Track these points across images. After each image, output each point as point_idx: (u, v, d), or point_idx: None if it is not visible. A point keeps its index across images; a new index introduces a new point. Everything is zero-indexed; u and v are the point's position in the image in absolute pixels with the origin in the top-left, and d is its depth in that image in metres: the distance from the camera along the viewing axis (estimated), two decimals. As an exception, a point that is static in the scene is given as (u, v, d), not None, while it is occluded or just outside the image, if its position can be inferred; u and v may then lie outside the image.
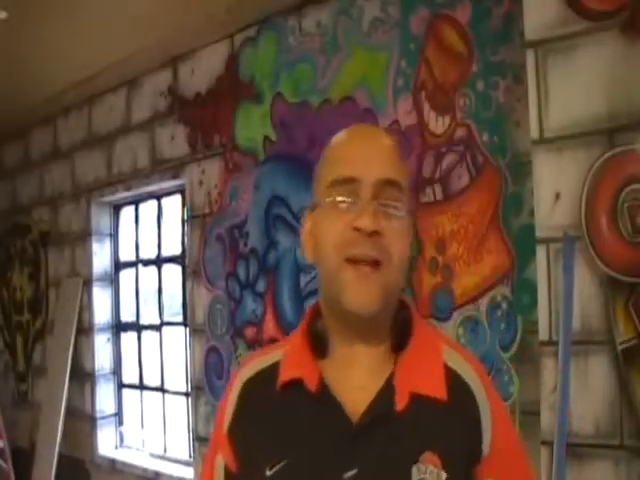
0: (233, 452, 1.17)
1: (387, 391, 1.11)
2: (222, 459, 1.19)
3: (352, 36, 3.58)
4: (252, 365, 1.24)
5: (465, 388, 1.14)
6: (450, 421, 1.11)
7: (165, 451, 5.08)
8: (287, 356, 1.19)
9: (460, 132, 3.08)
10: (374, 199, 1.08)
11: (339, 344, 1.16)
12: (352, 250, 1.08)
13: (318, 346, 1.17)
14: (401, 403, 1.09)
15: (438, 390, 1.12)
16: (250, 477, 1.12)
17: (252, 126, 4.15)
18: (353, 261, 1.08)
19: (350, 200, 1.09)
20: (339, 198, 1.10)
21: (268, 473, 1.09)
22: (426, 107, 3.22)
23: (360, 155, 1.13)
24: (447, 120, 3.13)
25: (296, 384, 1.14)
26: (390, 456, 1.07)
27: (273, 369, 1.18)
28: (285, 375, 1.16)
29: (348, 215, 1.08)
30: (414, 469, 1.06)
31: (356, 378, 1.13)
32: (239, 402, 1.20)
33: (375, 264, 1.08)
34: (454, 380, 1.14)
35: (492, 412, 1.14)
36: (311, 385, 1.12)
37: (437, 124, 3.17)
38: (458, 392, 1.13)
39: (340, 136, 1.20)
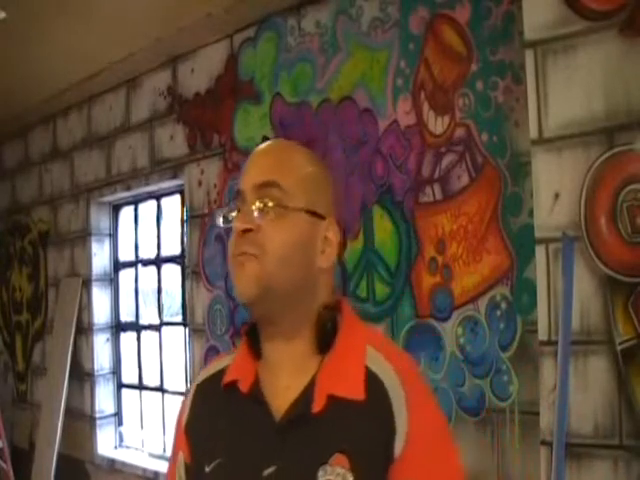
0: (188, 447, 1.27)
1: (308, 392, 1.16)
2: (182, 455, 1.28)
3: (351, 36, 3.58)
4: (206, 370, 1.35)
5: (381, 389, 1.16)
6: (365, 423, 1.14)
7: (164, 451, 5.07)
8: (234, 360, 1.28)
9: (459, 132, 3.08)
10: (253, 201, 1.19)
11: (265, 344, 1.24)
12: (233, 250, 1.19)
13: (255, 348, 1.25)
14: (318, 405, 1.14)
15: (355, 392, 1.15)
16: (196, 471, 1.23)
17: (251, 126, 4.15)
18: (236, 257, 1.19)
19: (237, 211, 1.22)
20: (233, 213, 1.23)
21: (207, 469, 1.19)
22: (425, 107, 3.22)
23: (246, 169, 1.25)
24: (446, 120, 3.13)
25: (235, 386, 1.22)
26: (304, 456, 1.13)
27: (222, 373, 1.27)
28: (226, 378, 1.25)
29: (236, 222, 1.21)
30: (320, 470, 1.10)
31: (283, 378, 1.20)
32: (193, 402, 1.31)
33: (251, 256, 1.17)
34: (372, 382, 1.16)
35: (410, 412, 1.14)
36: (244, 386, 1.21)
37: (436, 124, 3.17)
38: (375, 393, 1.15)
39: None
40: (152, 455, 5.15)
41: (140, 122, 5.04)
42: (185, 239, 4.74)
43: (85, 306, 5.64)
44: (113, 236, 5.74)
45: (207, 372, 1.33)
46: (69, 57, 4.70)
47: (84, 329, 5.64)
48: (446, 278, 3.09)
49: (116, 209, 5.71)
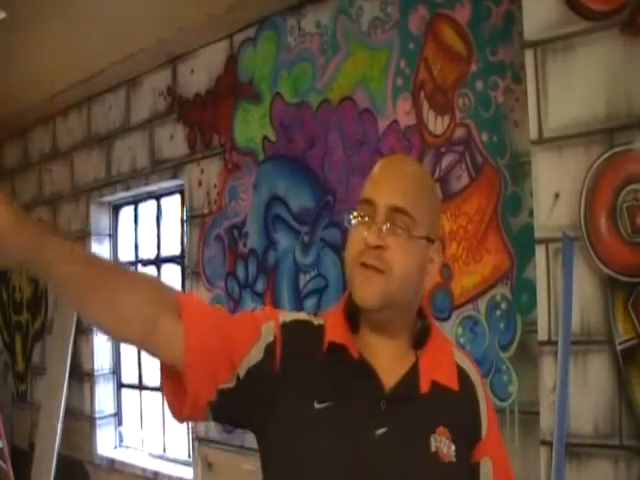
0: (282, 345, 1.34)
1: (413, 374, 1.35)
2: (274, 329, 1.35)
3: (351, 36, 3.58)
4: (300, 314, 1.46)
5: (470, 384, 1.41)
6: (459, 407, 1.37)
7: (164, 451, 5.07)
8: (330, 325, 1.39)
9: (459, 132, 3.08)
10: (385, 220, 1.31)
11: (366, 328, 1.38)
12: (361, 258, 1.31)
13: (353, 324, 1.39)
14: (425, 387, 1.33)
15: (452, 382, 1.37)
16: (299, 404, 1.32)
17: (251, 126, 4.15)
18: (363, 265, 1.31)
19: (367, 219, 1.33)
20: (359, 217, 1.34)
21: (317, 406, 1.31)
22: (425, 107, 3.22)
23: (381, 181, 1.36)
24: (446, 120, 3.13)
25: (339, 349, 1.34)
26: (413, 424, 1.31)
27: (319, 329, 1.38)
28: (331, 337, 1.36)
29: (364, 231, 1.32)
30: (432, 437, 1.30)
31: (382, 360, 1.35)
32: (291, 326, 1.38)
33: (378, 271, 1.30)
34: (463, 376, 1.40)
35: (487, 406, 1.41)
36: (354, 353, 1.34)
37: (436, 124, 3.17)
38: (465, 386, 1.39)
39: (379, 162, 1.42)
40: (152, 455, 5.15)
41: (140, 122, 5.04)
42: (185, 239, 4.74)
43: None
44: (113, 236, 5.73)
45: (300, 316, 1.43)
46: (69, 57, 4.70)
47: (84, 329, 5.63)
48: (446, 278, 3.09)
49: (116, 209, 5.71)
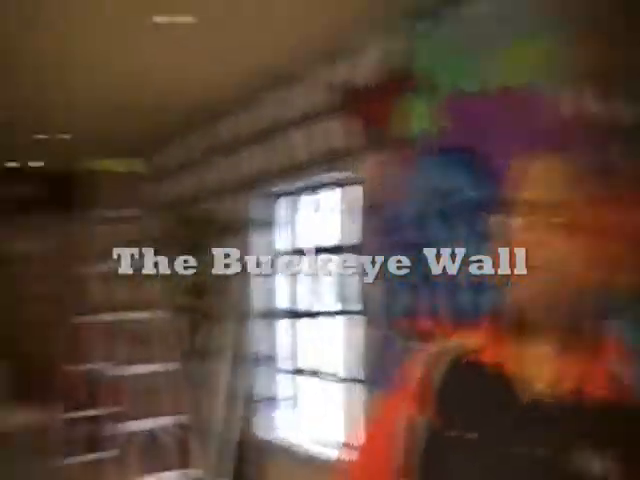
0: (439, 410, 1.38)
1: (557, 385, 1.30)
2: (423, 420, 1.39)
3: (519, 23, 3.39)
4: (455, 347, 1.45)
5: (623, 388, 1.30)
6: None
7: (337, 439, 5.11)
8: (489, 342, 1.40)
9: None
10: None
11: (516, 333, 1.36)
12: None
13: (506, 337, 1.38)
14: (568, 396, 1.28)
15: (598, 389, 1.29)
16: (453, 437, 1.34)
17: (419, 118, 4.06)
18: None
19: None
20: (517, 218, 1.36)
21: (468, 436, 1.32)
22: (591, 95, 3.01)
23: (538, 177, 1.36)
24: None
25: (489, 367, 1.36)
26: (558, 438, 1.26)
27: (471, 351, 1.40)
28: (487, 358, 1.37)
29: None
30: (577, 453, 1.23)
31: (530, 369, 1.33)
32: (447, 375, 1.41)
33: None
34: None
35: None
36: (507, 371, 1.34)
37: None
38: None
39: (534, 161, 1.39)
40: (325, 442, 5.26)
41: (302, 115, 5.15)
42: (360, 230, 4.73)
43: (262, 293, 5.88)
44: (290, 225, 5.95)
45: (455, 351, 1.44)
46: (235, 57, 4.88)
47: (262, 315, 5.89)
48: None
49: (292, 199, 5.91)
